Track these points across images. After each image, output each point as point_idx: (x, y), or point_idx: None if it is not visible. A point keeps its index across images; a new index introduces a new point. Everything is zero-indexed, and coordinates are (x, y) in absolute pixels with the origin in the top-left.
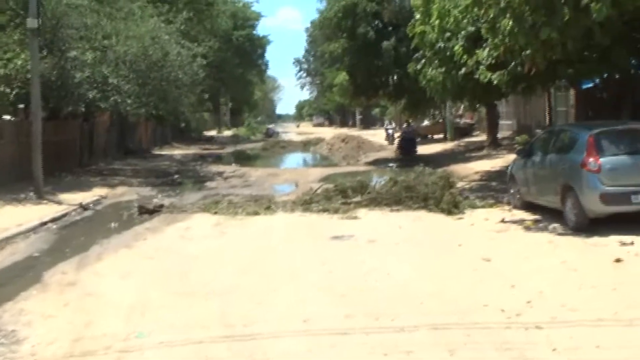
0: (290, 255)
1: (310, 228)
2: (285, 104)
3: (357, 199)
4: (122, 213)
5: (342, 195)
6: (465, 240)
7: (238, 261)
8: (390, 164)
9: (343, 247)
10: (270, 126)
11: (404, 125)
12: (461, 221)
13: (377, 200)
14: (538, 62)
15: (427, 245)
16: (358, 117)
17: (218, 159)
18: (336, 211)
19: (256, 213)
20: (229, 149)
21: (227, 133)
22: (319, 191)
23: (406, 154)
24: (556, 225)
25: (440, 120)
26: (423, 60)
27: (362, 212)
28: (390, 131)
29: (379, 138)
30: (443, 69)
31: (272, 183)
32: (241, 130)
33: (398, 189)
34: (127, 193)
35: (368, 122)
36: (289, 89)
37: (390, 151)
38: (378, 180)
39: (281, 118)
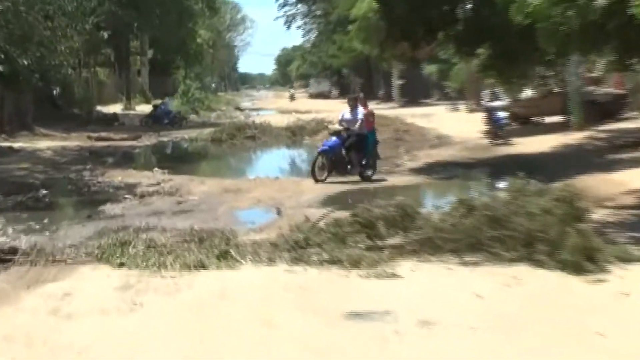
0: (267, 351)
1: (305, 296)
2: (257, 58)
3: (396, 239)
4: None
5: (368, 232)
6: (613, 325)
7: None
8: (477, 171)
9: (369, 334)
10: (165, 100)
11: (345, 111)
12: (602, 287)
13: (435, 244)
14: None
15: (533, 335)
16: (397, 82)
17: (126, 159)
18: (356, 263)
19: (202, 265)
20: (148, 140)
21: (145, 109)
22: (322, 224)
23: (339, 173)
24: None
25: (557, 91)
26: None
27: (405, 267)
28: (499, 115)
29: (440, 121)
30: None
31: (233, 207)
32: (172, 104)
33: (475, 222)
34: None
35: (416, 93)
36: (265, 28)
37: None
38: (437, 205)
39: (249, 81)
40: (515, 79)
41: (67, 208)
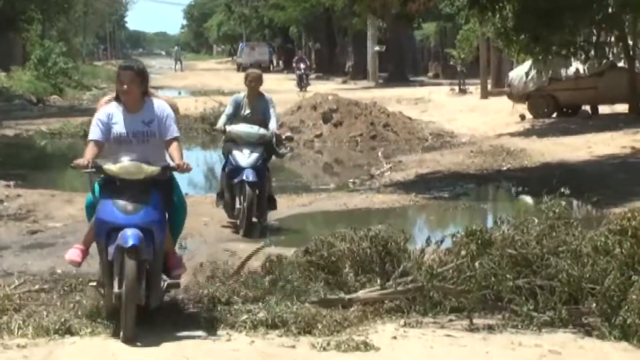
0: None
1: None
2: (156, 9)
3: (371, 290)
4: None
5: (327, 279)
6: None
7: None
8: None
9: None
10: None
11: (113, 110)
12: None
13: (430, 298)
14: None
15: None
16: (374, 49)
17: None
18: (308, 326)
19: (68, 330)
20: None
21: None
22: (253, 263)
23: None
24: None
25: (621, 66)
26: None
27: (383, 333)
28: None
29: (440, 109)
30: None
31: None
32: (20, 78)
33: (492, 266)
34: None
35: (403, 66)
36: None
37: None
38: (434, 239)
39: (143, 44)
40: (556, 47)
41: None
